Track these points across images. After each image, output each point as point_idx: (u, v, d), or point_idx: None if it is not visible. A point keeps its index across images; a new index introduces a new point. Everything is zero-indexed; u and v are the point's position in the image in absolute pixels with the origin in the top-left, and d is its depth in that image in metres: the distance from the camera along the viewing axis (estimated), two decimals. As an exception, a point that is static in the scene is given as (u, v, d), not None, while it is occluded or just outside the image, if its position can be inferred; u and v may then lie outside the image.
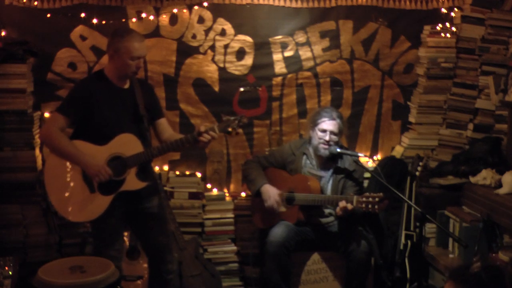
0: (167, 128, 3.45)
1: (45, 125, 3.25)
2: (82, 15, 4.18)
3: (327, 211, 3.95)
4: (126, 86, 3.28)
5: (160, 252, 3.43)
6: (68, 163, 3.17)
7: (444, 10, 4.57)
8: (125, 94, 3.25)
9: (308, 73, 4.55)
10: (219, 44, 4.41)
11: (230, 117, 3.22)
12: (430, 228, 4.28)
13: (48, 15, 4.16)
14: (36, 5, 4.15)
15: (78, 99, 3.19)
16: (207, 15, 4.37)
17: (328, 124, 3.86)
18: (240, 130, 3.23)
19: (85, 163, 3.12)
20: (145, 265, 4.00)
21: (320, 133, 3.87)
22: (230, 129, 3.18)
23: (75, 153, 3.13)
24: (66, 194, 3.18)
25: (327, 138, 3.84)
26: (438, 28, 4.51)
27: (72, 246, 4.13)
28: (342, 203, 3.64)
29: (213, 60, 4.43)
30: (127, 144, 3.18)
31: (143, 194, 3.30)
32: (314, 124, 3.91)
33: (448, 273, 2.62)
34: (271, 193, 3.85)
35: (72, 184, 3.18)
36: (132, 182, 3.19)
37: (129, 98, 3.25)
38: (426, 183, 4.43)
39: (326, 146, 3.85)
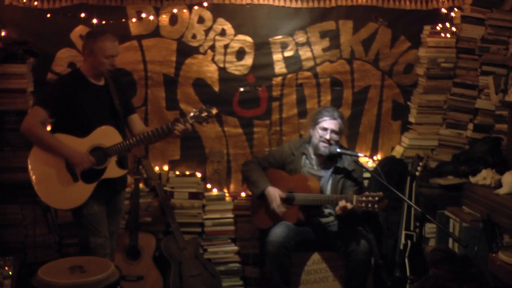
0: (139, 123, 3.67)
1: (26, 118, 3.39)
2: (82, 15, 4.18)
3: (327, 211, 3.95)
4: (101, 83, 3.49)
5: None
6: (51, 154, 3.33)
7: (444, 10, 4.57)
8: (101, 91, 3.46)
9: (308, 73, 4.55)
10: (219, 44, 4.41)
11: (201, 108, 3.50)
12: (430, 228, 4.28)
13: (48, 15, 4.17)
14: (36, 5, 4.15)
15: (59, 94, 3.36)
16: (207, 15, 4.37)
17: (329, 123, 3.86)
18: (211, 120, 3.51)
19: (68, 152, 3.31)
20: (144, 264, 4.02)
21: (320, 131, 3.87)
22: (200, 120, 3.48)
23: (57, 144, 3.31)
24: (51, 184, 3.34)
25: (327, 136, 3.84)
26: (438, 28, 4.51)
27: (72, 246, 4.12)
28: (342, 202, 3.64)
29: (213, 60, 4.43)
30: (107, 135, 3.38)
31: (119, 187, 3.55)
32: (315, 122, 3.91)
33: None
34: (276, 195, 3.85)
35: (56, 174, 3.34)
36: (113, 170, 3.39)
37: (105, 95, 3.46)
38: (426, 183, 4.42)
39: (326, 145, 3.85)
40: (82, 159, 3.30)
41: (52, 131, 3.40)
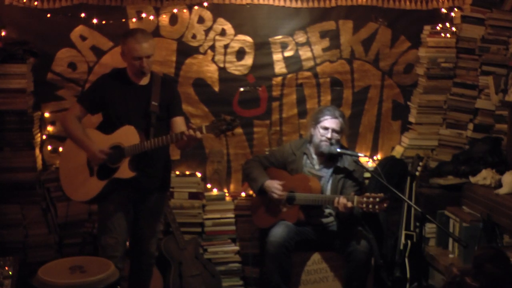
0: (179, 127, 3.50)
1: (65, 112, 3.66)
2: (82, 15, 4.18)
3: (327, 211, 3.95)
4: (144, 82, 3.46)
5: (142, 243, 3.56)
6: (78, 148, 3.43)
7: (444, 10, 4.57)
8: (140, 91, 3.43)
9: (308, 73, 4.55)
10: (219, 44, 4.41)
11: (220, 118, 3.22)
12: (430, 228, 4.28)
13: (48, 15, 4.17)
14: (36, 5, 4.15)
15: (94, 91, 3.45)
16: (207, 15, 4.37)
17: (330, 122, 3.86)
18: (230, 133, 3.24)
19: (86, 146, 3.38)
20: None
21: (322, 131, 3.86)
22: (217, 132, 3.20)
23: (81, 138, 3.40)
24: (71, 175, 3.47)
25: (329, 135, 3.84)
26: (438, 28, 4.51)
27: (72, 246, 4.13)
28: (343, 199, 3.63)
29: (213, 60, 4.43)
30: (127, 135, 3.36)
31: (146, 188, 3.46)
32: (316, 121, 3.91)
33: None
34: (274, 185, 3.85)
35: (77, 166, 3.44)
36: (124, 171, 3.34)
37: (144, 95, 3.42)
38: (426, 183, 4.43)
39: (328, 143, 3.85)
40: (95, 154, 3.33)
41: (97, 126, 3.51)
